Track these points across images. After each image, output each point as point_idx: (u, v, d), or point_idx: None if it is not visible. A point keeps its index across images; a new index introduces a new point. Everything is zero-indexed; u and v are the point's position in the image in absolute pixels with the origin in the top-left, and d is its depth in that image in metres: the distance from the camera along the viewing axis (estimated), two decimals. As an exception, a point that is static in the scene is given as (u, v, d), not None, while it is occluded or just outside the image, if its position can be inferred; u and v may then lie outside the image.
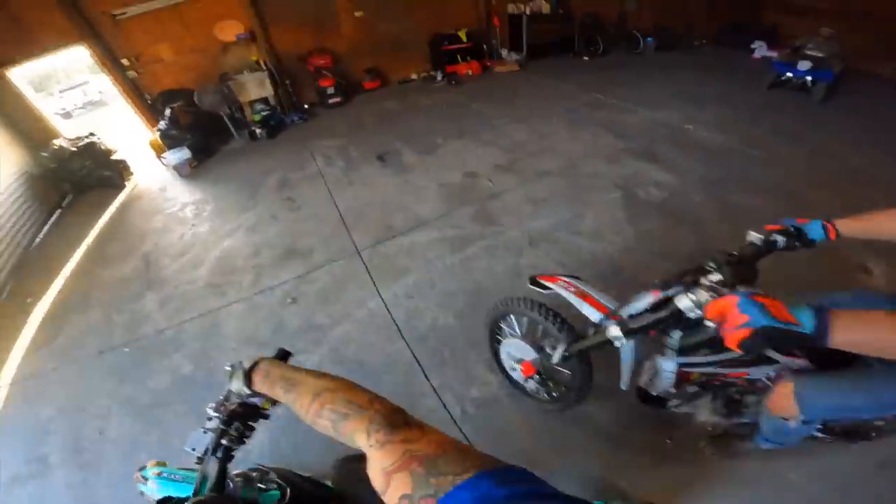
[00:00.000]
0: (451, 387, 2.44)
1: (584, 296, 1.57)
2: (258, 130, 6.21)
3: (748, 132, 4.93)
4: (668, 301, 1.14)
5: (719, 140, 4.81)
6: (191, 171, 5.65)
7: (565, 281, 1.66)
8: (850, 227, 1.25)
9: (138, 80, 6.28)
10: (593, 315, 1.49)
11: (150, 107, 6.35)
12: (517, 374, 1.99)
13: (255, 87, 6.46)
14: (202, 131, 6.11)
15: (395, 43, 7.49)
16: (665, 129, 5.23)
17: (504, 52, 8.13)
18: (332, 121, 6.61)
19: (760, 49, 9.16)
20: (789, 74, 6.39)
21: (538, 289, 1.74)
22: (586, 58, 8.38)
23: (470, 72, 7.59)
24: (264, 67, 6.53)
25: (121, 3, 5.75)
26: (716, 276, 1.11)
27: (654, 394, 1.58)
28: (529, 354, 1.83)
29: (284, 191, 4.78)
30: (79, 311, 3.67)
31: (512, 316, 1.95)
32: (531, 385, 2.02)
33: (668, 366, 1.41)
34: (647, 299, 1.27)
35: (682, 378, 1.46)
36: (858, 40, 6.64)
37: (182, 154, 5.56)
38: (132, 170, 6.11)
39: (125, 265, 4.16)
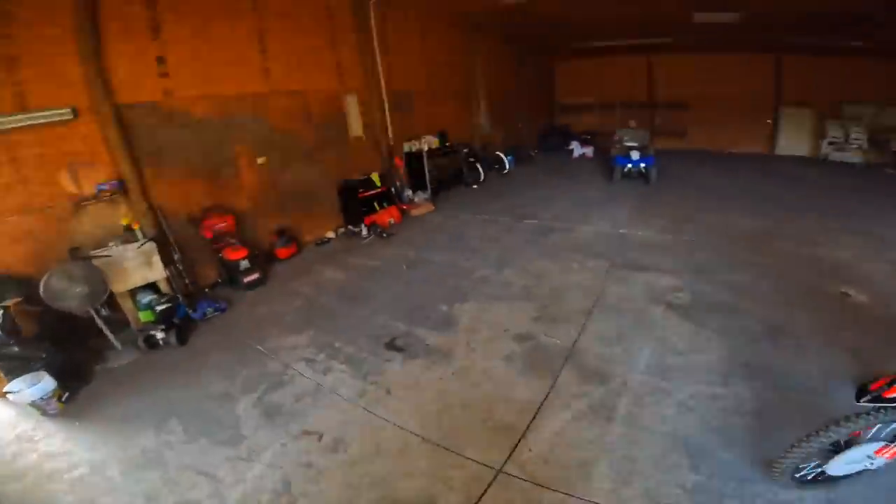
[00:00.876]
0: None
1: None
2: (159, 335, 4.22)
3: (657, 224, 6.52)
4: None
5: (653, 237, 6.06)
6: (61, 409, 3.43)
7: None
8: None
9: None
10: None
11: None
12: (878, 463, 2.08)
13: (139, 267, 4.52)
14: (58, 343, 3.87)
15: (304, 194, 6.56)
16: (614, 239, 6.06)
17: (408, 193, 8.08)
18: (265, 307, 4.86)
19: (577, 149, 11.98)
20: (630, 166, 8.37)
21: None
22: (475, 186, 9.13)
23: (392, 220, 7.12)
24: (142, 236, 4.68)
25: None
26: None
27: None
28: (878, 442, 2.02)
29: (286, 423, 3.09)
30: None
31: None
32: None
33: None
34: None
35: None
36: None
37: (42, 384, 3.36)
38: None
39: None
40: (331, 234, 6.90)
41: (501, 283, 4.96)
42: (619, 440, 2.69)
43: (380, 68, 7.44)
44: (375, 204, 7.17)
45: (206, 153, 5.35)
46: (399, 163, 8.02)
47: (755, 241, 5.77)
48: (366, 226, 6.88)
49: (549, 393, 3.14)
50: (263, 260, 5.74)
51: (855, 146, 9.63)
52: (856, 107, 9.76)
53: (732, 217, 6.71)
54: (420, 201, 7.97)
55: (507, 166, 10.04)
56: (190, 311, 4.62)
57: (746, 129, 11.43)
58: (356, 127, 7.36)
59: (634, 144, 8.39)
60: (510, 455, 2.64)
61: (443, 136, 8.84)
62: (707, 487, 2.33)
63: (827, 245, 5.45)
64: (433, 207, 7.83)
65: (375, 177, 7.31)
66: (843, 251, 5.22)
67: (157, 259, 4.66)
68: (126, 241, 4.56)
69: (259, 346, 4.05)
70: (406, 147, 8.27)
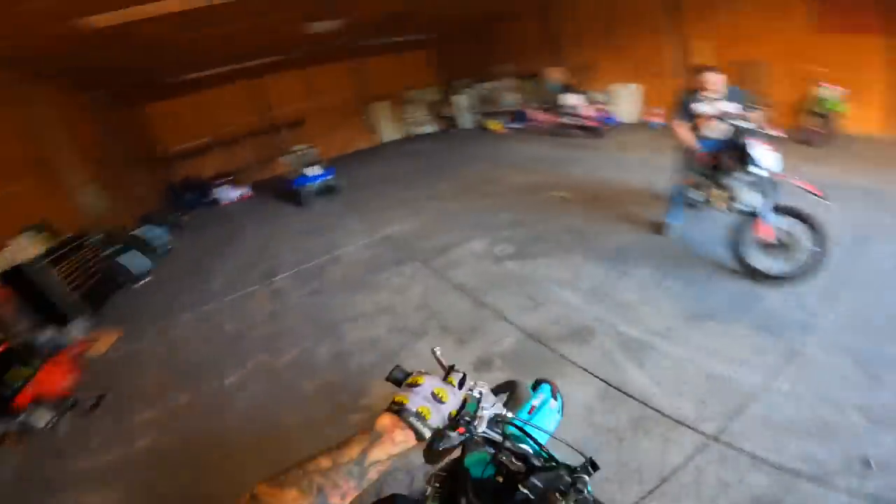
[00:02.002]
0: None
1: None
2: None
3: (397, 216, 6.71)
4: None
5: (411, 227, 6.18)
6: None
7: None
8: None
9: None
10: None
11: None
12: None
13: None
14: None
15: None
16: (384, 244, 5.84)
17: (49, 333, 4.62)
18: None
19: (230, 193, 10.41)
20: (310, 184, 8.21)
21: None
22: (148, 279, 6.53)
23: (70, 379, 3.86)
24: None
25: None
26: None
27: None
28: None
29: None
30: None
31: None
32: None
33: None
34: None
35: None
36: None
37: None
38: None
39: None
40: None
41: (366, 344, 3.66)
42: (697, 355, 2.81)
43: None
44: (16, 371, 3.65)
45: None
46: (-5, 294, 4.34)
47: (470, 195, 6.96)
48: (26, 411, 3.44)
49: (595, 376, 2.79)
50: None
51: (427, 120, 13.51)
52: (416, 92, 14.01)
53: (431, 189, 7.71)
54: (86, 334, 4.71)
55: (166, 241, 7.40)
56: None
57: (354, 128, 13.62)
58: None
59: (308, 163, 8.17)
60: (690, 428, 2.31)
61: (47, 232, 5.39)
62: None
63: (511, 177, 7.32)
64: (119, 332, 4.81)
65: (-23, 333, 3.68)
66: (526, 177, 7.21)
67: None
68: None
69: None
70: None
